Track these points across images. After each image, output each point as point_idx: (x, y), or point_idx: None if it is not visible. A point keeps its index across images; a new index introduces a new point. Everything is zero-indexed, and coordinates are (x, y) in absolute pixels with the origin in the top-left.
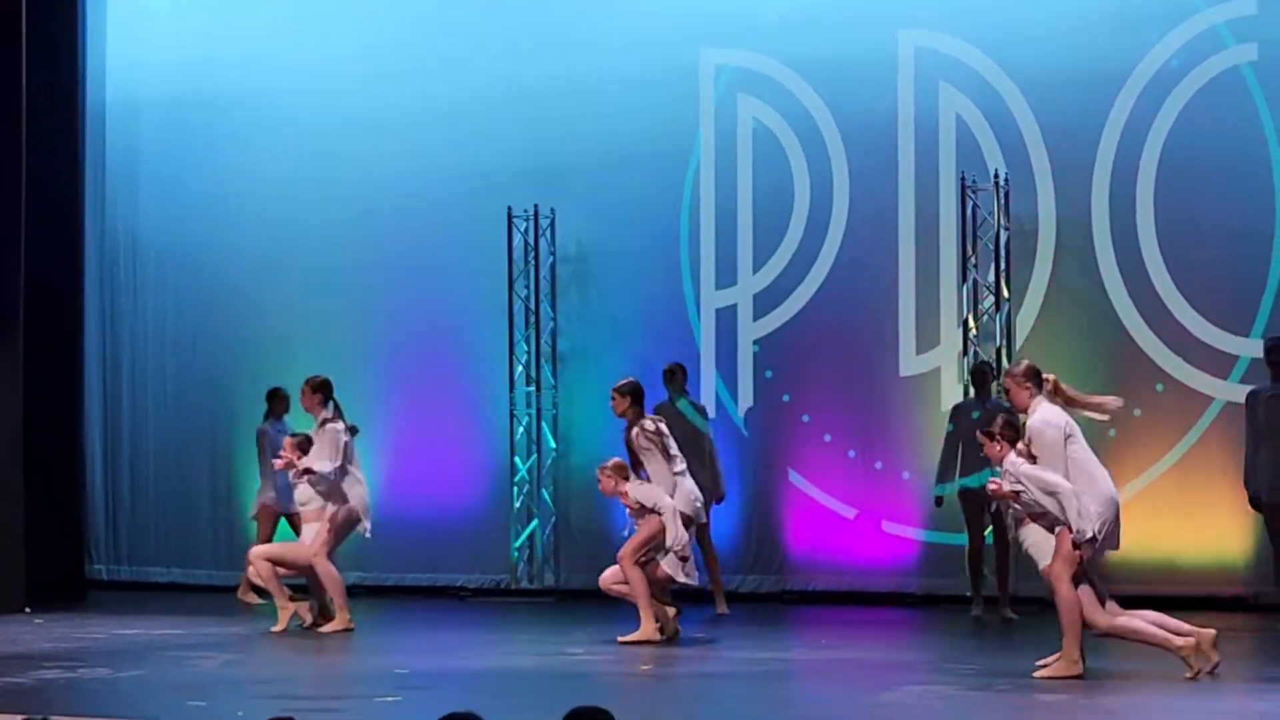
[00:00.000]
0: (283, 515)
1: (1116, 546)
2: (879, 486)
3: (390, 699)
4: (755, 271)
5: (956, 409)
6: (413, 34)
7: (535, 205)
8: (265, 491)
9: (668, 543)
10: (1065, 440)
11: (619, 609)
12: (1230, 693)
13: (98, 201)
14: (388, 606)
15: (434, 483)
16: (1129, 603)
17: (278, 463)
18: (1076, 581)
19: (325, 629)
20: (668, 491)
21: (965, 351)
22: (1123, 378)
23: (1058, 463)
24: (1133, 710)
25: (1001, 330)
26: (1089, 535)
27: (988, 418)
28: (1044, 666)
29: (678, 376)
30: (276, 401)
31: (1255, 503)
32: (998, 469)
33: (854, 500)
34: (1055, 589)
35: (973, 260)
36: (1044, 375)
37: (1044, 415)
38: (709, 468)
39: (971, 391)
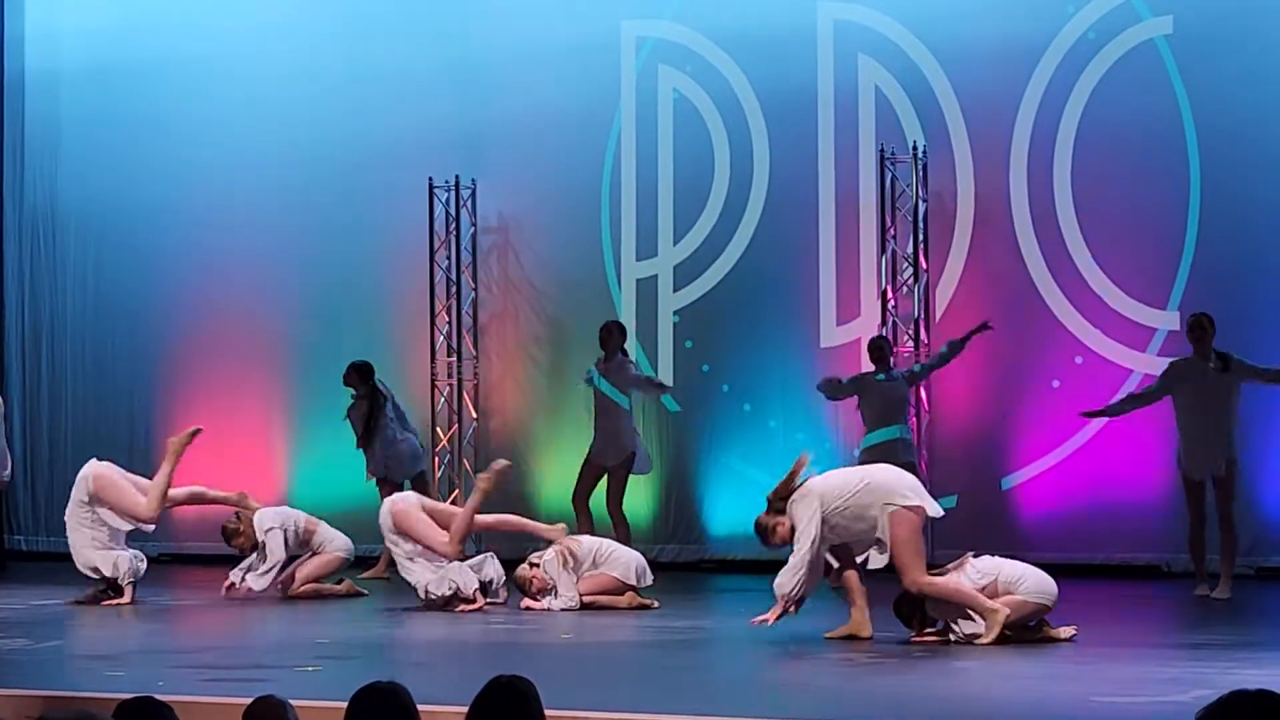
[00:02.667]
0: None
1: None
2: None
3: (311, 668)
4: (676, 242)
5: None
6: (334, 4)
7: (456, 176)
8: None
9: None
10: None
11: None
12: (1142, 659)
13: (16, 171)
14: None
15: (355, 453)
16: (1048, 570)
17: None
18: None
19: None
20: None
21: (884, 323)
22: (1041, 350)
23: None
24: (1046, 676)
25: (920, 302)
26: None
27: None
28: (980, 636)
29: (614, 336)
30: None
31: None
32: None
33: (775, 470)
34: (927, 594)
35: (891, 232)
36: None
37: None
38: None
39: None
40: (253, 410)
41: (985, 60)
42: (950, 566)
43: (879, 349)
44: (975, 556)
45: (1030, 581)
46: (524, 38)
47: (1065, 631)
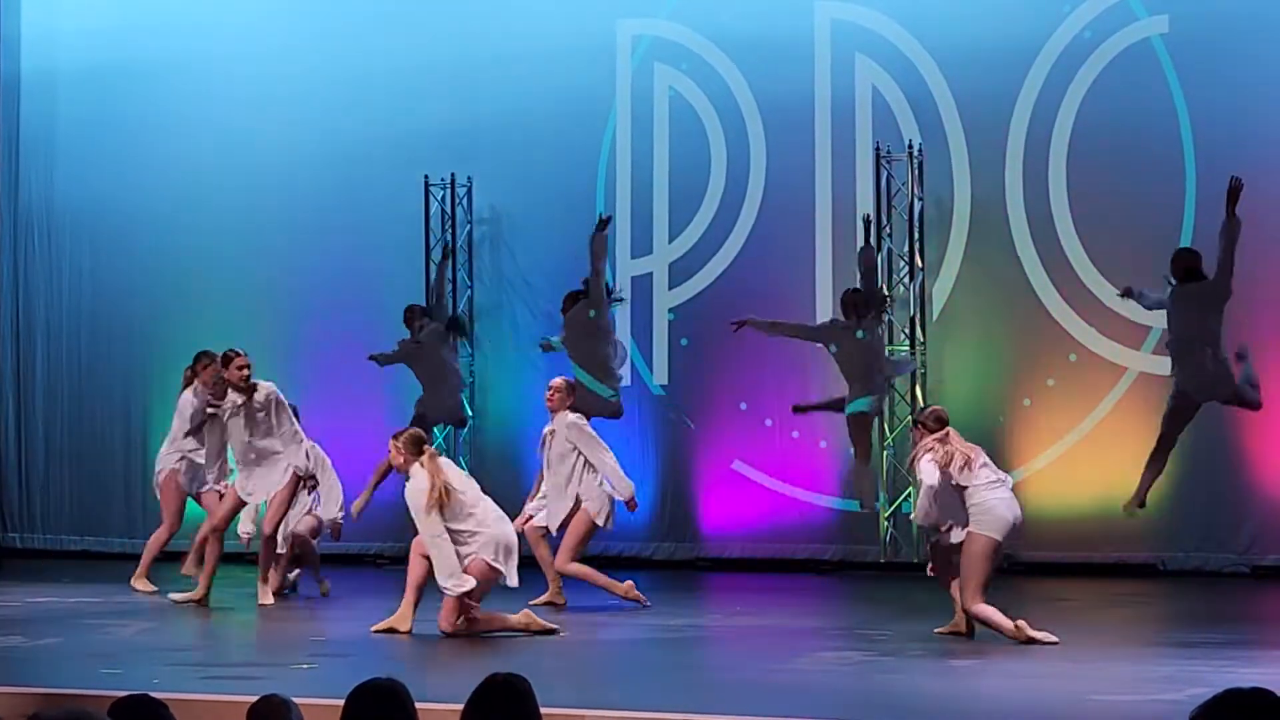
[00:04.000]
0: None
1: None
2: (796, 455)
3: (307, 666)
4: (671, 240)
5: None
6: (331, 4)
7: (452, 173)
8: None
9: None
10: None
11: (533, 575)
12: (1138, 658)
13: (12, 172)
14: (304, 575)
15: (351, 451)
16: (1044, 569)
17: None
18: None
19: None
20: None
21: (880, 321)
22: (1036, 347)
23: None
24: (1043, 675)
25: (916, 301)
26: None
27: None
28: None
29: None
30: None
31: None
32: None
33: (770, 468)
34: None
35: (887, 230)
36: None
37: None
38: None
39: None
40: None
41: (981, 60)
42: (969, 453)
43: (852, 303)
44: (978, 456)
45: (986, 518)
46: (520, 35)
47: (1042, 635)
